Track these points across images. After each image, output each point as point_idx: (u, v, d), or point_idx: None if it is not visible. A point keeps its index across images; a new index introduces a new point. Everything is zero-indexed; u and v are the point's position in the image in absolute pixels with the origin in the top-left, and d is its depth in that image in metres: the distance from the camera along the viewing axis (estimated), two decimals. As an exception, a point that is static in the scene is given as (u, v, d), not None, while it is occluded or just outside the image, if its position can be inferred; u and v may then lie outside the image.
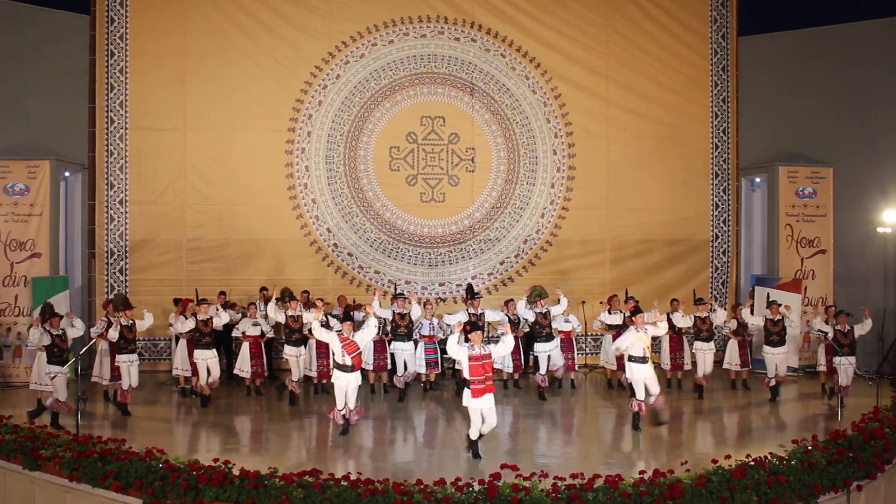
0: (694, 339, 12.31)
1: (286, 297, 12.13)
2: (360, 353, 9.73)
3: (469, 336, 8.67)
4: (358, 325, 10.48)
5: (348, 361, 9.51)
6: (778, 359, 11.84)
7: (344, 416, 9.68)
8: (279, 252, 14.25)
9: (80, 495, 7.74)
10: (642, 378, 9.85)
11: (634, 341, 9.87)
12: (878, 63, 14.52)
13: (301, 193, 14.39)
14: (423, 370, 12.18)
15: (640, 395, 9.89)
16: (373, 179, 14.56)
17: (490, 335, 12.65)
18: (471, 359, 8.54)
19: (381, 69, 14.57)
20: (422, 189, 14.64)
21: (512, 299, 13.28)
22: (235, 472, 7.30)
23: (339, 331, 9.99)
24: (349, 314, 10.22)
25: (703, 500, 6.97)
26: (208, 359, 11.31)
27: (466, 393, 8.65)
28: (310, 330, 11.01)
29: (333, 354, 9.82)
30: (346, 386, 9.60)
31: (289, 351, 11.67)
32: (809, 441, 8.20)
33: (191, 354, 11.82)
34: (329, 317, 12.04)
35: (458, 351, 8.64)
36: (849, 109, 14.66)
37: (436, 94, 14.68)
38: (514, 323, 12.14)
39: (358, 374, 9.66)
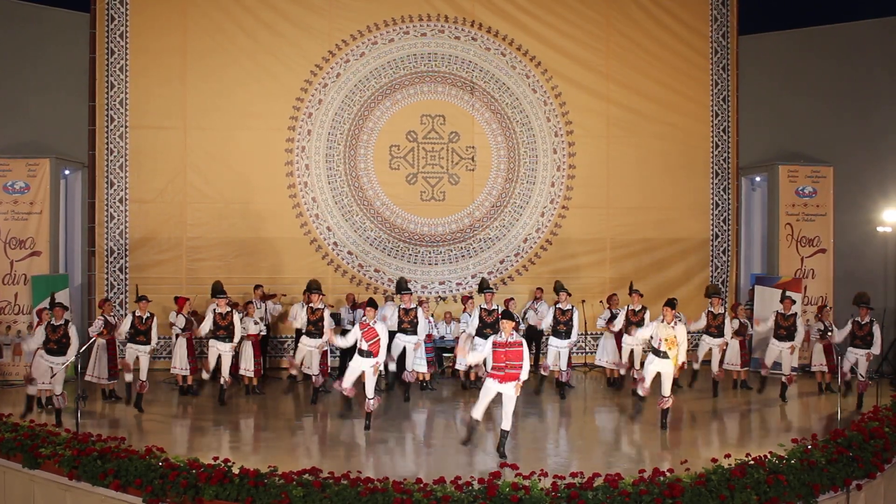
0: (704, 333, 12.24)
1: (311, 290, 11.70)
2: (378, 340, 9.88)
3: (500, 324, 8.79)
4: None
5: (364, 347, 9.81)
6: (785, 353, 11.81)
7: (344, 388, 10.01)
8: (279, 250, 14.25)
9: (80, 493, 7.74)
10: (655, 369, 9.83)
11: (656, 333, 9.80)
12: (879, 62, 14.50)
13: (301, 192, 14.39)
14: (422, 369, 12.19)
15: (648, 383, 9.89)
16: (373, 178, 14.56)
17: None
18: (495, 344, 8.62)
19: (382, 67, 14.56)
20: (422, 188, 14.64)
21: (513, 298, 13.32)
22: (235, 470, 7.30)
23: (364, 319, 10.10)
24: (373, 301, 10.29)
25: (702, 499, 6.97)
26: (225, 350, 11.40)
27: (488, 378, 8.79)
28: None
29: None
30: (359, 368, 9.88)
31: (306, 342, 11.57)
32: (809, 440, 8.20)
33: (190, 353, 11.87)
34: (333, 316, 12.10)
35: (478, 356, 8.73)
36: (849, 109, 14.64)
37: (436, 93, 14.67)
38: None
39: (370, 360, 9.84)
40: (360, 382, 10.08)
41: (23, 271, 12.85)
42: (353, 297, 13.58)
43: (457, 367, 12.85)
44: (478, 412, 8.80)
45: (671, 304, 9.99)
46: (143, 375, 11.01)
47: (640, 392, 10.04)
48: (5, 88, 13.41)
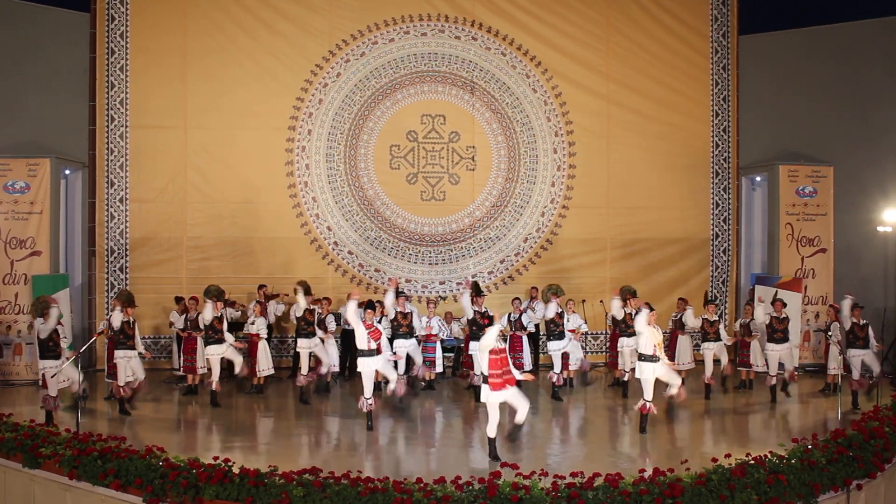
0: (701, 340, 12.20)
1: (304, 290, 11.82)
2: (381, 337, 10.00)
3: (485, 330, 8.74)
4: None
5: (373, 346, 9.84)
6: (783, 354, 11.77)
7: (370, 405, 9.81)
8: (280, 250, 14.25)
9: (80, 493, 7.74)
10: (652, 378, 9.74)
11: (650, 339, 9.74)
12: (879, 62, 14.50)
13: (301, 192, 14.39)
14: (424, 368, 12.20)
15: (649, 395, 9.71)
16: (373, 178, 14.56)
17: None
18: (490, 352, 8.55)
19: (382, 67, 14.56)
20: (422, 187, 14.64)
21: (518, 298, 13.29)
22: (235, 470, 7.30)
23: (363, 318, 10.12)
24: (372, 303, 10.36)
25: (703, 499, 6.97)
26: (221, 353, 11.30)
27: (485, 388, 8.62)
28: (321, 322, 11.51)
29: (358, 342, 9.97)
30: (372, 372, 9.85)
31: (302, 344, 11.58)
32: (809, 440, 8.20)
33: (191, 353, 11.85)
34: (333, 315, 12.08)
35: (488, 341, 8.60)
36: (849, 108, 14.64)
37: (436, 93, 14.67)
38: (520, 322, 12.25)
39: (381, 355, 9.92)
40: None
41: (23, 271, 12.85)
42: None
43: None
44: (492, 429, 8.59)
45: (649, 305, 9.99)
46: (139, 375, 10.85)
47: (650, 407, 9.80)
48: (6, 88, 13.41)
